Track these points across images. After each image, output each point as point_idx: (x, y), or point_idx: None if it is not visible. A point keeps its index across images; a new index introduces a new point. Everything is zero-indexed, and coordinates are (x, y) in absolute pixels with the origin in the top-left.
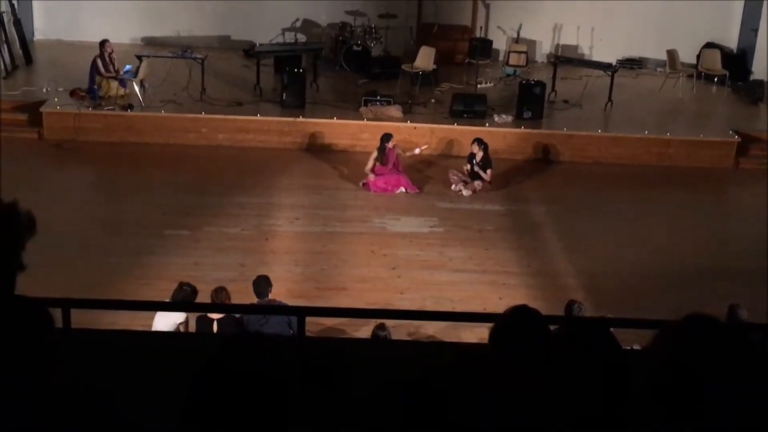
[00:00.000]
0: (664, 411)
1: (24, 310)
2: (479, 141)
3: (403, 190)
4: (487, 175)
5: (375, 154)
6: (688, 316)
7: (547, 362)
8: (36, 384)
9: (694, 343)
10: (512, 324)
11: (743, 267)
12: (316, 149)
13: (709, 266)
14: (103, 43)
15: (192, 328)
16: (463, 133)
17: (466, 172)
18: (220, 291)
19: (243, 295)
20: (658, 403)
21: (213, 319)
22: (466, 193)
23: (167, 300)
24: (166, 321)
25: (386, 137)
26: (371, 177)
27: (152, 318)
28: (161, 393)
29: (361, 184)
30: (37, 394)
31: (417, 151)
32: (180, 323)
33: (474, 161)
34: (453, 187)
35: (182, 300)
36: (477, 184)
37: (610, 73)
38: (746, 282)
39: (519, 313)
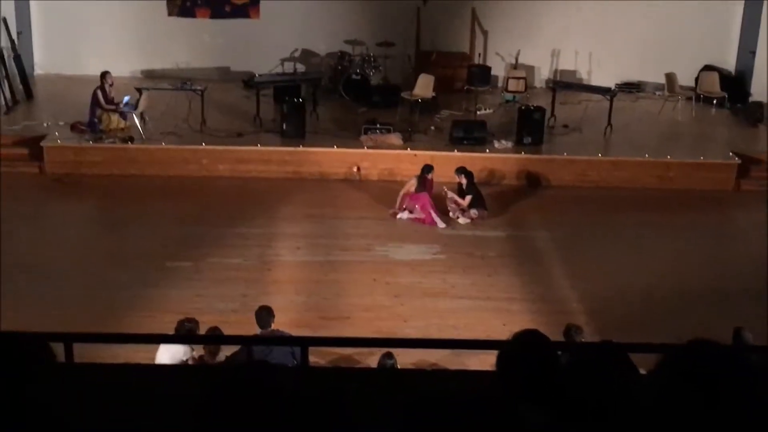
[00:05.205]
0: None
1: (25, 346)
2: (461, 169)
3: (435, 217)
4: (464, 200)
5: (414, 182)
6: (692, 341)
7: (555, 388)
8: (38, 420)
9: (697, 367)
10: (520, 349)
11: (747, 289)
12: (317, 178)
13: (713, 289)
14: (104, 75)
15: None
16: (464, 160)
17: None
18: (213, 330)
19: (245, 326)
20: (663, 426)
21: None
22: (462, 221)
23: (170, 333)
24: (170, 354)
25: (427, 169)
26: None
27: (155, 350)
28: (165, 427)
29: (391, 212)
30: (39, 430)
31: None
32: (186, 359)
33: (461, 189)
34: (451, 214)
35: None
36: (474, 212)
37: (609, 97)
38: (750, 304)
39: (526, 338)
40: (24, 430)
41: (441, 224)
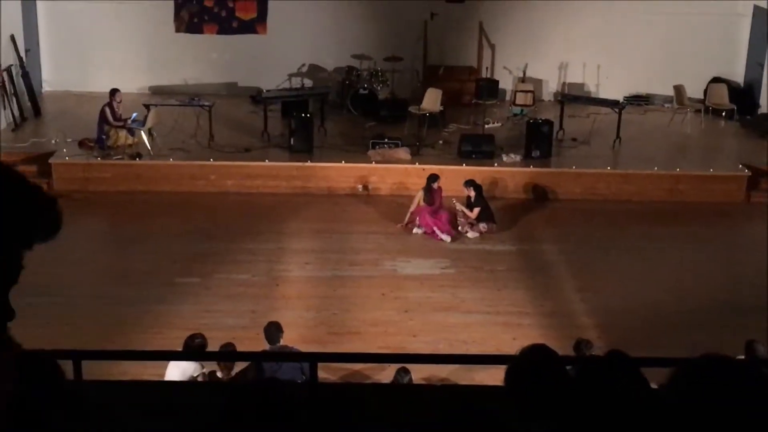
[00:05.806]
0: None
1: (34, 364)
2: (470, 182)
3: (439, 233)
4: (472, 213)
5: (421, 194)
6: (703, 355)
7: (563, 403)
8: None
9: (709, 381)
10: (528, 364)
11: (758, 302)
12: (325, 193)
13: (724, 302)
14: (113, 92)
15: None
16: (472, 174)
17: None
18: (227, 346)
19: (254, 342)
20: None
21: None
22: (471, 235)
23: (179, 349)
24: (180, 371)
25: (433, 178)
26: (409, 221)
27: (164, 367)
28: None
29: (399, 226)
30: None
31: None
32: (197, 376)
33: (470, 202)
34: (460, 228)
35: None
36: (482, 226)
37: (617, 110)
38: (762, 317)
39: (534, 352)
40: None
41: (447, 239)
